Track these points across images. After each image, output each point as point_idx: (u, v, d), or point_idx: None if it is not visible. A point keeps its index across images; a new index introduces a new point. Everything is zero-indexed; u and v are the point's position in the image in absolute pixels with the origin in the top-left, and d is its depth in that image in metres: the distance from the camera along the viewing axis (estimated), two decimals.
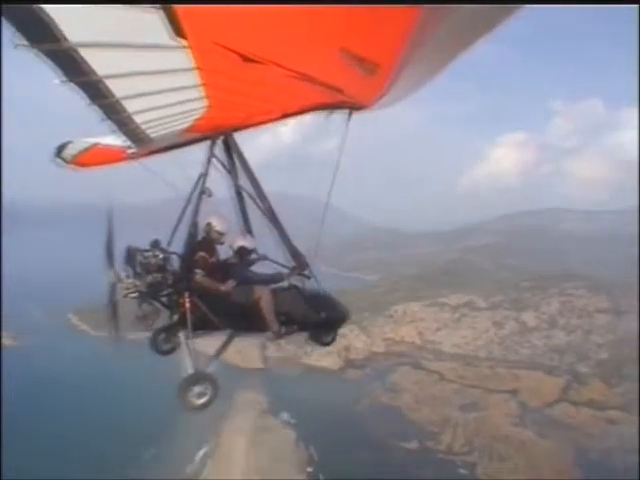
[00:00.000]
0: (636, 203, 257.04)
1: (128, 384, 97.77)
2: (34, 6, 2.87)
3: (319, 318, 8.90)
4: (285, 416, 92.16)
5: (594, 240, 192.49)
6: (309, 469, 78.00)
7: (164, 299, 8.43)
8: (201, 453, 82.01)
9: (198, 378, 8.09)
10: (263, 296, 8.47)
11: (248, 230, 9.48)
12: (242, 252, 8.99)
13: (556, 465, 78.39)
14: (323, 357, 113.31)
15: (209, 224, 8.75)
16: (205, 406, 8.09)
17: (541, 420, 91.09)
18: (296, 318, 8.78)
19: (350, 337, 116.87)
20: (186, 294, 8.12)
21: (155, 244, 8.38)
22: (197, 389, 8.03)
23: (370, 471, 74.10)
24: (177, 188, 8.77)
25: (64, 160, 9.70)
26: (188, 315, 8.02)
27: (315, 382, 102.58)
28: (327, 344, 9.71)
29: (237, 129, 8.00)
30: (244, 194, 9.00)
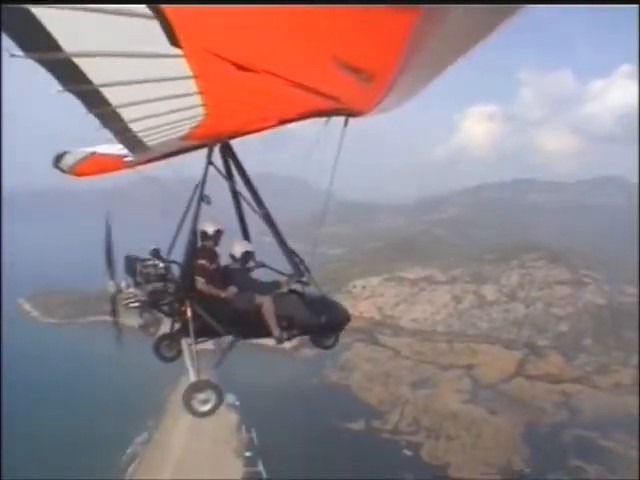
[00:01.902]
0: (603, 173, 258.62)
1: (72, 368, 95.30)
2: (30, 14, 2.83)
3: (320, 322, 8.85)
4: (231, 399, 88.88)
5: (560, 211, 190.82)
6: (248, 453, 74.86)
7: (165, 308, 8.40)
8: (141, 438, 78.97)
9: (201, 386, 7.93)
10: (265, 302, 8.45)
11: (246, 236, 9.45)
12: (241, 257, 8.88)
13: (504, 443, 76.11)
14: None
15: (203, 232, 8.62)
16: (211, 412, 7.99)
17: (493, 396, 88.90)
18: (297, 322, 8.72)
19: None
20: (187, 302, 8.11)
21: (155, 253, 8.61)
22: (201, 396, 7.88)
23: (309, 453, 71.07)
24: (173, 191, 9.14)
25: (62, 170, 9.80)
26: (190, 323, 8.04)
27: (267, 363, 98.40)
28: (328, 347, 9.75)
29: (234, 136, 8.17)
30: (241, 200, 9.00)
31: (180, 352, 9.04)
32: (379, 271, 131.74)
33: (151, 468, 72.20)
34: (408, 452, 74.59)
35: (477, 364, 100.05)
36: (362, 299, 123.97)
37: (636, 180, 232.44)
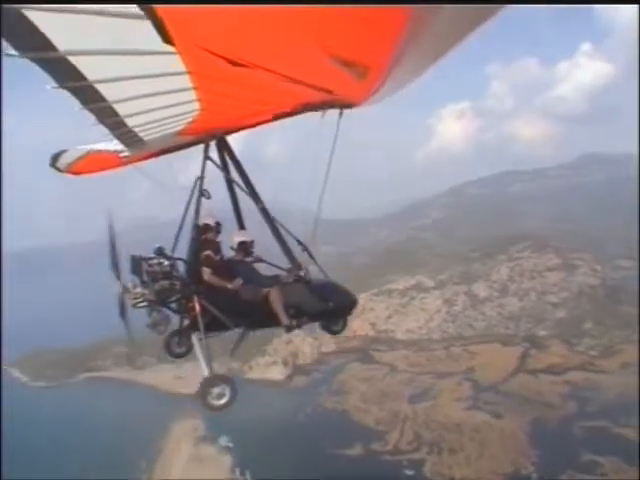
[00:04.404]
0: (581, 153, 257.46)
1: (64, 430, 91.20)
2: (23, 14, 2.88)
3: (328, 307, 8.90)
4: (223, 440, 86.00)
5: (544, 197, 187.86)
6: None
7: (173, 305, 8.42)
8: None
9: (215, 380, 7.93)
10: (272, 291, 8.47)
11: (242, 227, 9.53)
12: (242, 247, 8.92)
13: (510, 447, 71.73)
14: (269, 368, 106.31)
15: (205, 224, 8.62)
16: (226, 406, 7.86)
17: (496, 399, 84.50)
18: (305, 310, 8.78)
19: (296, 342, 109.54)
20: (195, 297, 8.12)
21: (159, 251, 8.50)
22: (216, 391, 7.82)
23: None
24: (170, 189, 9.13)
25: (59, 169, 9.64)
26: (199, 318, 8.05)
27: (259, 397, 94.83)
28: (338, 332, 9.95)
29: (229, 132, 8.34)
30: (237, 194, 9.13)
31: (190, 348, 9.28)
32: (368, 286, 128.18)
33: None
34: (409, 472, 70.15)
35: (476, 366, 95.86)
36: (354, 317, 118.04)
37: (614, 154, 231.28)
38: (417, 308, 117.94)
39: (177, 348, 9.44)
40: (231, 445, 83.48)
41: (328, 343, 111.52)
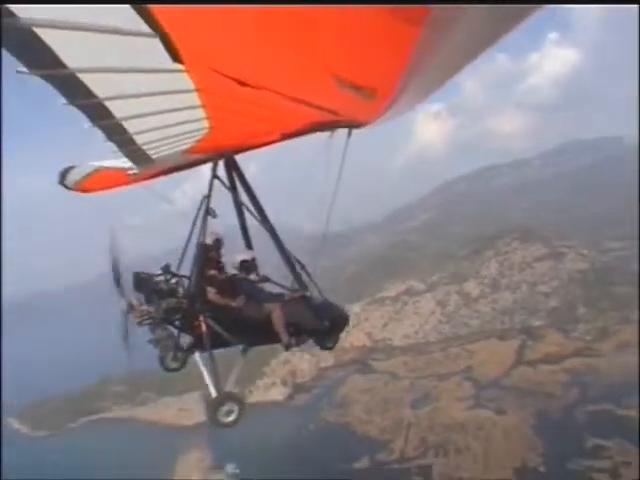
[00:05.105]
0: (560, 141, 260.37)
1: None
2: (33, 31, 2.88)
3: (325, 325, 9.07)
4: (230, 468, 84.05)
5: (526, 188, 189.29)
6: None
7: (177, 322, 8.40)
8: None
9: (223, 398, 8.05)
10: (274, 310, 8.59)
11: (249, 246, 9.58)
12: (244, 266, 8.89)
13: (515, 442, 71.26)
14: (269, 390, 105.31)
15: (218, 240, 8.82)
16: (235, 423, 8.00)
17: (497, 394, 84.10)
18: (304, 328, 8.94)
19: (294, 361, 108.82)
20: (201, 316, 8.16)
21: (166, 268, 8.48)
22: (225, 408, 7.97)
23: None
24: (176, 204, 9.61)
25: (67, 187, 9.55)
26: (206, 337, 8.09)
27: (262, 419, 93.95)
28: (330, 348, 9.95)
29: (238, 151, 8.22)
30: (245, 213, 9.12)
31: (184, 362, 9.32)
32: (360, 296, 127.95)
33: None
34: (419, 478, 69.43)
35: (475, 364, 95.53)
36: (349, 329, 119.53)
37: (592, 138, 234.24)
38: (411, 313, 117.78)
39: (172, 363, 9.44)
40: (238, 472, 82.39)
41: (326, 358, 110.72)
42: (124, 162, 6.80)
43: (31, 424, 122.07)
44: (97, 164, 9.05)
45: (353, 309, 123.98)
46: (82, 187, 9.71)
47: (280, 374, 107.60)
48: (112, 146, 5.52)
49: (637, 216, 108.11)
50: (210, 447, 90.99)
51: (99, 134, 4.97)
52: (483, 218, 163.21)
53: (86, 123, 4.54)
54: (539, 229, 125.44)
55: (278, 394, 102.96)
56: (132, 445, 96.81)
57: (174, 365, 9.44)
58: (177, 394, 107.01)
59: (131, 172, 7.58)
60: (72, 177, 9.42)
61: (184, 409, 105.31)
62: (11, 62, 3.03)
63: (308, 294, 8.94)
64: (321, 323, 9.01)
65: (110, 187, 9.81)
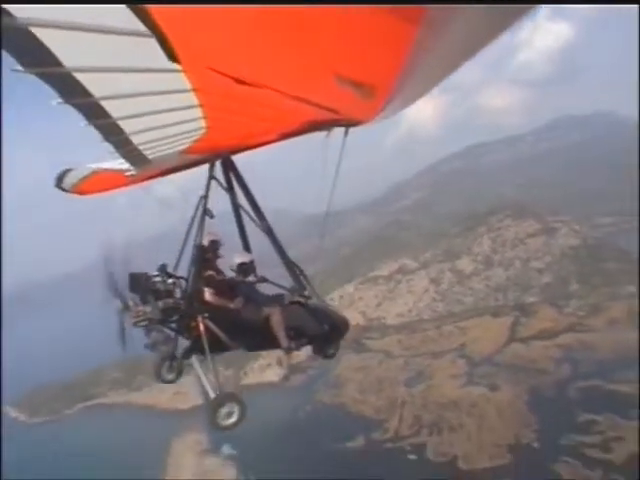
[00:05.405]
0: (552, 116, 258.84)
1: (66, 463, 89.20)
2: (29, 30, 2.88)
3: (324, 330, 9.02)
4: (226, 449, 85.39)
5: (518, 165, 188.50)
6: None
7: (173, 324, 8.29)
8: None
9: (223, 399, 7.85)
10: (273, 313, 8.52)
11: (247, 248, 9.49)
12: (242, 268, 8.70)
13: (509, 418, 71.90)
14: (264, 371, 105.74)
15: (214, 241, 8.66)
16: (236, 425, 7.80)
17: (491, 371, 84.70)
18: (304, 332, 8.87)
19: None
20: (199, 317, 8.06)
21: (163, 269, 8.42)
22: (224, 410, 7.75)
23: None
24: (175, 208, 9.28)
25: (64, 189, 9.30)
26: (204, 338, 7.94)
27: (258, 401, 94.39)
28: (331, 356, 9.79)
29: (235, 151, 8.18)
30: (242, 213, 9.06)
31: (180, 373, 9.06)
32: (353, 276, 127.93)
33: None
34: (413, 456, 70.12)
35: (468, 341, 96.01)
36: (343, 309, 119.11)
37: (584, 114, 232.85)
38: (404, 291, 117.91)
39: (168, 374, 9.17)
40: (234, 452, 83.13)
41: None
42: (121, 164, 6.74)
43: (29, 412, 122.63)
44: (94, 166, 8.92)
45: (347, 289, 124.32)
46: (79, 189, 9.58)
47: (275, 355, 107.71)
48: (110, 147, 5.49)
49: (627, 192, 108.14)
50: (206, 430, 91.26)
51: (97, 135, 4.96)
52: (475, 195, 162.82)
53: (82, 122, 4.52)
54: (531, 205, 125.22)
55: (274, 375, 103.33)
56: (128, 429, 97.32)
57: (170, 377, 9.22)
58: None
59: (129, 173, 7.52)
60: (69, 180, 9.25)
61: (180, 392, 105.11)
62: (10, 62, 3.05)
63: (307, 293, 8.90)
64: (321, 327, 9.00)
65: (108, 189, 9.79)
